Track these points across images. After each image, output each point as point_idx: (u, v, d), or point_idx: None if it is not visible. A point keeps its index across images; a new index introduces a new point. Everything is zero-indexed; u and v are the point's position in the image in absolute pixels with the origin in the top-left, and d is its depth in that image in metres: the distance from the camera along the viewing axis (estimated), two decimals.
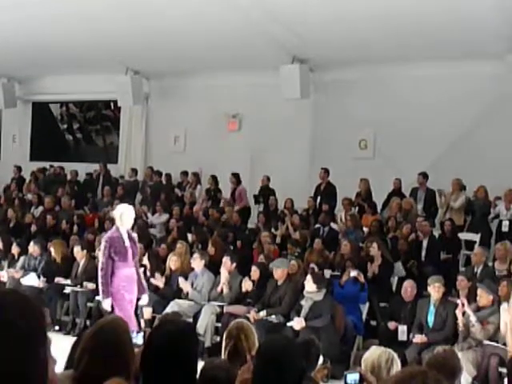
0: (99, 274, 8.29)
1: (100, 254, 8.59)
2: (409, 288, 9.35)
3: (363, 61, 13.93)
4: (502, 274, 9.81)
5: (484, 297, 8.45)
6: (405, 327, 8.92)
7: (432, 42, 12.60)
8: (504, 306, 8.26)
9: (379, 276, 10.42)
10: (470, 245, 11.94)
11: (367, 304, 9.98)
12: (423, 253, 11.42)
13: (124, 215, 8.35)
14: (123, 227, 8.37)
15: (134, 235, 8.70)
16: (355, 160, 14.59)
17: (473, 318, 8.24)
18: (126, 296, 8.27)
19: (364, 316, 9.90)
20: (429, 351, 7.67)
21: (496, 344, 8.09)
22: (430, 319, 8.82)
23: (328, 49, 13.72)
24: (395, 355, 4.52)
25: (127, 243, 8.31)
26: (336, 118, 14.96)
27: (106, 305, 8.28)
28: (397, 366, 4.38)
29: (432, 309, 8.82)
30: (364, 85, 14.50)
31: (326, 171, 14.18)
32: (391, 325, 9.05)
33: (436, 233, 12.08)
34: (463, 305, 8.32)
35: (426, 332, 8.72)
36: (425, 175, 13.38)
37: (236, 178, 14.96)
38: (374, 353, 4.52)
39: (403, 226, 11.87)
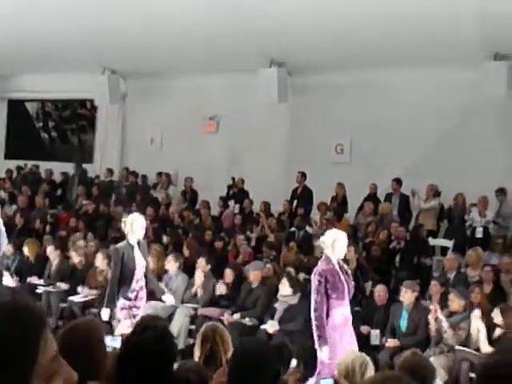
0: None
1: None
2: (381, 292, 9.41)
3: (341, 65, 13.99)
4: (474, 279, 9.90)
5: (456, 302, 8.52)
6: (378, 331, 8.97)
7: (409, 46, 12.68)
8: (476, 313, 8.34)
9: (353, 280, 10.45)
10: (444, 251, 12.04)
11: None
12: (397, 258, 11.50)
13: None
14: None
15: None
16: (332, 164, 14.65)
17: (445, 324, 8.30)
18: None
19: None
20: (401, 356, 7.71)
21: (467, 349, 8.16)
22: (403, 324, 8.87)
23: (306, 53, 13.75)
24: (369, 359, 4.55)
25: None
26: (313, 122, 15.01)
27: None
28: (370, 371, 4.41)
29: (405, 313, 8.88)
30: (342, 89, 14.56)
31: (303, 175, 14.23)
32: (364, 329, 9.09)
33: (410, 238, 12.16)
34: (436, 310, 8.38)
35: (398, 336, 8.77)
36: (398, 181, 13.48)
37: (224, 201, 14.87)
38: (348, 357, 4.54)
39: (380, 232, 11.94)
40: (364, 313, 9.57)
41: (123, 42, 13.97)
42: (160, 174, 16.16)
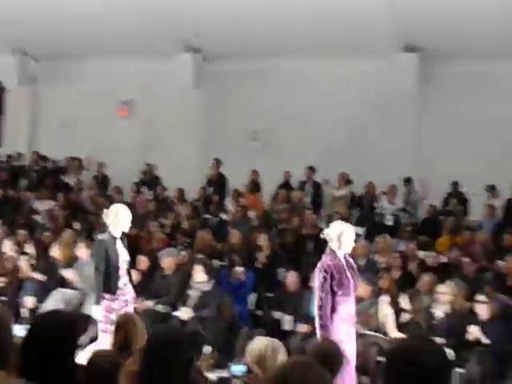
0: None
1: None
2: (293, 279, 9.52)
3: (256, 53, 14.03)
4: (383, 266, 10.16)
5: (362, 288, 8.70)
6: (290, 317, 9.08)
7: (321, 35, 12.85)
8: (384, 298, 8.56)
9: (267, 266, 10.55)
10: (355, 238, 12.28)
11: (254, 294, 10.08)
12: (310, 245, 11.65)
13: None
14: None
15: None
16: (247, 151, 14.69)
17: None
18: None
19: (251, 306, 10.00)
20: (312, 341, 7.84)
21: (376, 334, 8.37)
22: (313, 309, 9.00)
23: (222, 39, 13.73)
24: (280, 345, 4.58)
25: None
26: (228, 108, 15.01)
27: None
28: (282, 356, 4.44)
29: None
30: (256, 76, 14.61)
31: (218, 161, 14.22)
32: (276, 315, 9.19)
33: (323, 225, 12.36)
34: None
35: (310, 322, 8.91)
36: (312, 169, 13.66)
37: (137, 187, 14.67)
38: (259, 343, 4.56)
39: (293, 219, 12.07)
40: (276, 298, 9.67)
41: (35, 22, 13.57)
42: (72, 158, 15.82)
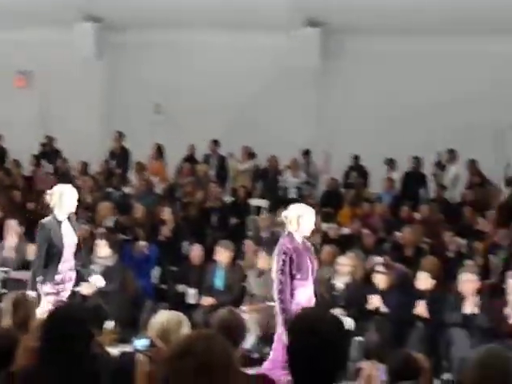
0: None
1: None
2: (197, 252, 9.54)
3: (158, 24, 13.83)
4: None
5: (264, 259, 8.80)
6: (194, 290, 9.10)
7: (222, 9, 12.79)
8: None
9: (171, 240, 10.52)
10: (259, 210, 12.41)
11: (157, 268, 10.03)
12: (214, 218, 11.69)
13: None
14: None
15: None
16: (150, 124, 14.51)
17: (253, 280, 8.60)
18: None
19: (155, 280, 9.95)
20: (216, 313, 7.89)
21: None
22: (219, 282, 9.06)
23: (123, 9, 13.44)
24: (184, 318, 4.58)
25: None
26: (131, 81, 14.76)
27: None
28: (185, 329, 4.44)
29: (220, 272, 9.07)
30: (159, 49, 14.43)
31: (121, 134, 13.99)
32: (180, 288, 9.19)
33: (227, 198, 12.41)
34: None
35: (214, 295, 8.95)
36: (216, 142, 13.66)
37: (36, 160, 14.21)
38: (163, 317, 4.55)
39: (197, 192, 12.05)
40: (180, 272, 9.66)
41: None
42: None
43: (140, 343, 4.29)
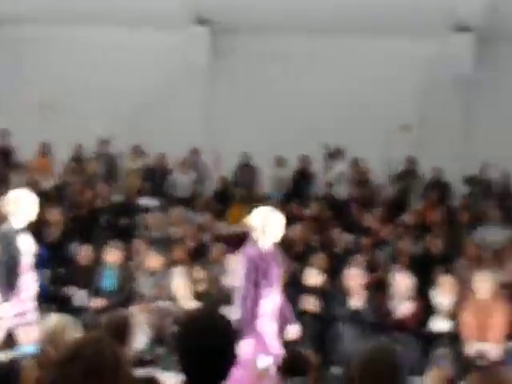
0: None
1: None
2: (85, 253, 9.35)
3: (49, 18, 13.44)
4: (177, 236, 10.27)
5: (155, 259, 8.74)
6: (83, 292, 8.91)
7: (115, 5, 12.60)
8: (177, 269, 8.67)
9: (59, 241, 10.26)
10: (149, 210, 12.28)
11: (46, 270, 9.75)
12: (103, 218, 11.49)
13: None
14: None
15: None
16: (38, 121, 14.01)
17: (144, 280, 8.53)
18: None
19: (43, 282, 9.66)
20: (105, 315, 7.77)
21: (170, 305, 8.45)
22: (108, 283, 8.92)
23: (16, 2, 13.01)
24: (73, 321, 4.49)
25: None
26: (20, 75, 14.24)
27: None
28: (74, 333, 4.35)
29: (110, 273, 8.93)
30: (49, 43, 14.02)
31: (4, 132, 13.49)
32: (68, 290, 8.97)
33: (116, 198, 12.23)
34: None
35: (103, 296, 8.80)
36: (106, 140, 13.41)
37: None
38: (51, 320, 4.44)
39: (86, 192, 11.79)
40: (68, 274, 9.44)
41: None
42: None
43: (28, 348, 4.16)
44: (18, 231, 6.41)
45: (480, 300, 8.12)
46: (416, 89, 13.18)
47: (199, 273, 8.60)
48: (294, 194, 12.38)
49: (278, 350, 5.90)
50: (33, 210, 6.43)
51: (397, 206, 11.92)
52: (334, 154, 12.65)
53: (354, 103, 13.19)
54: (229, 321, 2.53)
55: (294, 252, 9.87)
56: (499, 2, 11.76)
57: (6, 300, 6.24)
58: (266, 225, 6.05)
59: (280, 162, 13.03)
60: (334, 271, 9.09)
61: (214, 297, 8.43)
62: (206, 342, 2.39)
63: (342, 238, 10.33)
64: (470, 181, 12.37)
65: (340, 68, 13.30)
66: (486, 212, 11.42)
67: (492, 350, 7.90)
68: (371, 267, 9.50)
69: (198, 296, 8.50)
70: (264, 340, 5.88)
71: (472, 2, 11.99)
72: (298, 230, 10.13)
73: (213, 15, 13.25)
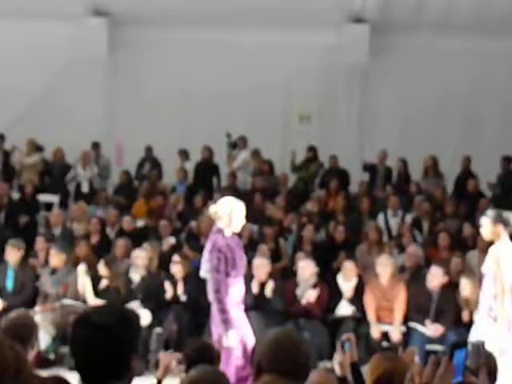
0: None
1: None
2: None
3: None
4: (80, 233, 10.08)
5: (57, 257, 8.55)
6: None
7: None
8: (80, 267, 8.51)
9: None
10: (49, 206, 11.98)
11: None
12: (2, 216, 11.15)
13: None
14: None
15: None
16: None
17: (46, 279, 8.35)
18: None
19: None
20: (5, 317, 7.53)
21: (75, 303, 8.29)
22: (9, 284, 8.65)
23: None
24: None
25: None
26: None
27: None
28: None
29: (10, 273, 8.66)
30: None
31: None
32: None
33: (15, 195, 11.87)
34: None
35: (5, 297, 8.54)
36: (1, 136, 12.98)
37: None
38: None
39: None
40: None
41: None
42: None
43: None
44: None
45: (381, 284, 8.37)
46: (314, 79, 13.39)
47: (103, 269, 8.46)
48: (199, 185, 12.33)
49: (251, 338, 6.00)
50: None
51: (299, 195, 12.09)
52: (237, 144, 12.69)
53: (255, 94, 13.28)
54: (131, 316, 2.46)
55: (199, 244, 9.85)
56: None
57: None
58: (232, 214, 6.05)
59: (183, 153, 12.95)
60: None
61: (120, 292, 8.32)
62: (101, 338, 2.30)
63: (246, 228, 10.37)
64: (369, 168, 12.68)
65: (240, 59, 13.32)
66: (385, 198, 11.75)
67: (394, 331, 8.17)
68: (276, 256, 9.62)
69: (103, 293, 8.37)
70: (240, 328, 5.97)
71: None
72: (202, 222, 10.10)
73: (110, 7, 13.02)
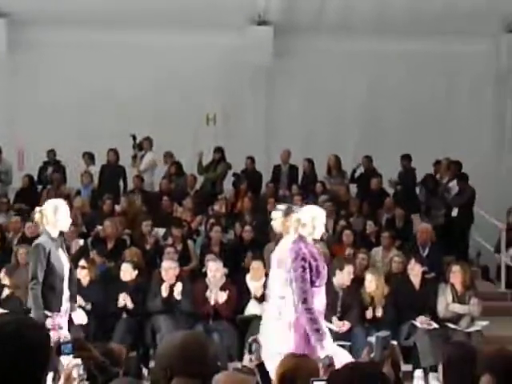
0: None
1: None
2: None
3: None
4: None
5: None
6: None
7: None
8: None
9: None
10: None
11: None
12: None
13: None
14: None
15: None
16: None
17: None
18: None
19: None
20: None
21: None
22: None
23: None
24: None
25: None
26: None
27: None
28: None
29: None
30: None
31: None
32: None
33: None
34: None
35: None
36: None
37: None
38: None
39: None
40: None
41: None
42: None
43: None
44: (56, 241, 5.99)
45: None
46: (220, 81, 13.42)
47: (5, 278, 8.20)
48: (105, 188, 12.12)
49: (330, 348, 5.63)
50: (67, 219, 6.04)
51: (207, 197, 12.08)
52: (142, 145, 12.54)
53: (160, 95, 13.18)
54: (34, 327, 2.38)
55: (106, 248, 9.70)
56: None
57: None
58: (316, 221, 5.81)
59: (88, 156, 12.69)
60: (147, 265, 9.06)
61: (23, 302, 8.08)
62: (13, 348, 2.23)
63: (154, 231, 10.29)
64: (275, 168, 12.81)
65: (143, 60, 13.19)
66: (291, 198, 11.90)
67: None
68: (184, 258, 9.59)
69: (5, 302, 8.10)
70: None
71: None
72: (108, 225, 9.95)
73: (10, 7, 12.65)
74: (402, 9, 12.34)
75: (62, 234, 6.10)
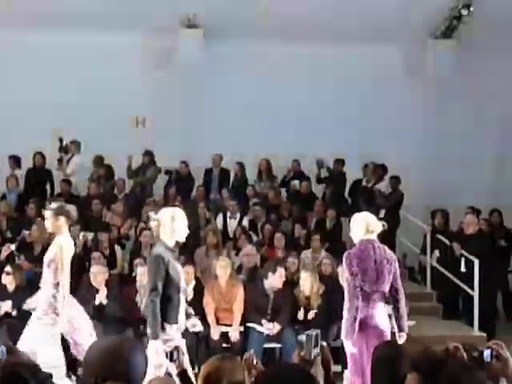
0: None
1: None
2: None
3: None
4: None
5: None
6: None
7: None
8: None
9: None
10: None
11: None
12: None
13: None
14: None
15: None
16: None
17: None
18: None
19: None
20: None
21: None
22: None
23: None
24: None
25: None
26: None
27: None
28: None
29: None
30: None
31: None
32: None
33: None
34: None
35: None
36: None
37: None
38: None
39: None
40: None
41: None
42: None
43: None
44: (173, 251, 5.80)
45: (220, 285, 8.47)
46: (150, 83, 13.31)
47: None
48: (31, 193, 11.84)
49: None
50: (185, 228, 5.74)
51: (137, 201, 11.95)
52: (68, 148, 12.29)
53: (90, 97, 12.95)
54: None
55: (33, 254, 9.50)
56: (221, 4, 12.30)
57: (155, 337, 5.46)
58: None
59: (14, 160, 12.37)
60: (76, 270, 8.90)
61: None
62: None
63: (83, 236, 10.13)
64: (206, 172, 12.80)
65: (74, 61, 12.97)
66: (221, 201, 11.94)
67: (233, 332, 8.29)
68: (112, 263, 9.49)
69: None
70: None
71: (199, 2, 12.41)
72: (35, 231, 9.76)
73: None
74: (307, 12, 12.43)
75: None
